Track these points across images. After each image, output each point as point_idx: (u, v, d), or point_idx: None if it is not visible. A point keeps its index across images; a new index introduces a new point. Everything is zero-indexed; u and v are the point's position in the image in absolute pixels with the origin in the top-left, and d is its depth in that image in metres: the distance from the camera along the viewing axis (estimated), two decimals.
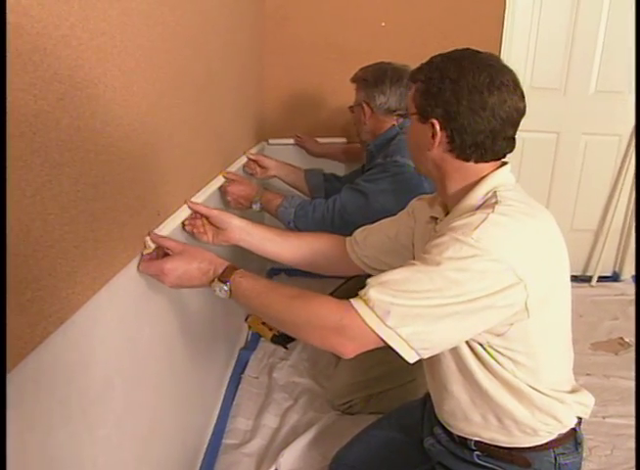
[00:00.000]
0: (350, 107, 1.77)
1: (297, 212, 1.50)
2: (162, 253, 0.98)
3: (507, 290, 0.77)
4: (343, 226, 1.42)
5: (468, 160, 0.89)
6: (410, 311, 0.76)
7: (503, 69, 0.86)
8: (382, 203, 1.46)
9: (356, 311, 0.78)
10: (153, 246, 0.96)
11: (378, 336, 0.77)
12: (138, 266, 0.92)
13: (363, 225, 1.22)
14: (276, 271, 2.42)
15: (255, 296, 0.88)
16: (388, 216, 1.21)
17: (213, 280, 0.92)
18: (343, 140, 2.36)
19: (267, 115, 2.38)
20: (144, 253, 0.95)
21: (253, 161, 1.85)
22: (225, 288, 0.90)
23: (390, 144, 1.58)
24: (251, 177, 1.85)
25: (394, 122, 1.64)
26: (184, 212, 1.15)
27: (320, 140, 2.34)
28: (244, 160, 1.83)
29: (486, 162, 0.89)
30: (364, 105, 1.65)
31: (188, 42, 1.15)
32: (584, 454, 1.03)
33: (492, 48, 2.27)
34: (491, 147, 0.87)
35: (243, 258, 1.41)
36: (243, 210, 1.53)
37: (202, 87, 1.28)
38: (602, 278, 2.61)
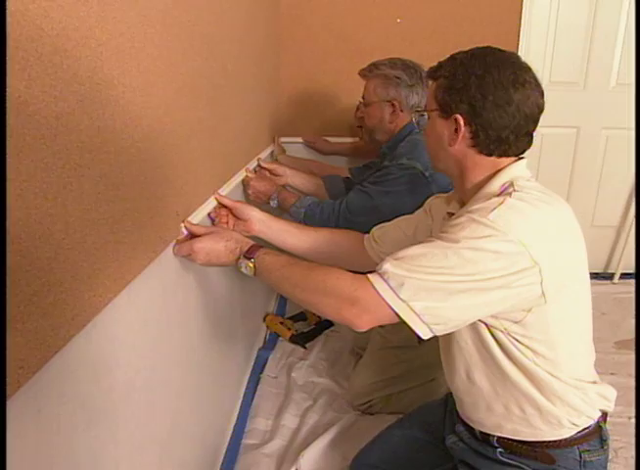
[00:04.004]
0: (369, 102, 1.65)
1: (306, 213, 1.53)
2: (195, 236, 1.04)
3: (522, 272, 0.78)
4: (347, 227, 1.41)
5: (490, 155, 0.90)
6: (424, 285, 0.78)
7: (525, 66, 0.89)
8: (387, 204, 1.46)
9: (371, 283, 0.81)
10: (186, 232, 1.04)
11: (391, 308, 0.79)
12: (173, 249, 0.98)
13: (366, 225, 1.25)
14: None
15: (277, 269, 0.92)
16: (393, 217, 1.23)
17: (239, 257, 0.97)
18: (356, 139, 2.35)
19: (282, 113, 2.38)
20: (178, 238, 1.01)
21: (266, 169, 1.78)
22: (250, 265, 0.95)
23: (399, 145, 1.56)
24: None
25: (411, 119, 1.59)
26: (208, 206, 1.19)
27: (332, 139, 2.34)
28: (262, 157, 1.84)
29: (508, 157, 0.91)
30: (395, 103, 1.60)
31: (204, 42, 1.15)
32: (610, 456, 1.01)
33: (510, 42, 2.24)
34: (514, 142, 0.89)
35: None
36: (261, 204, 1.58)
37: (218, 87, 1.28)
38: (624, 275, 2.56)
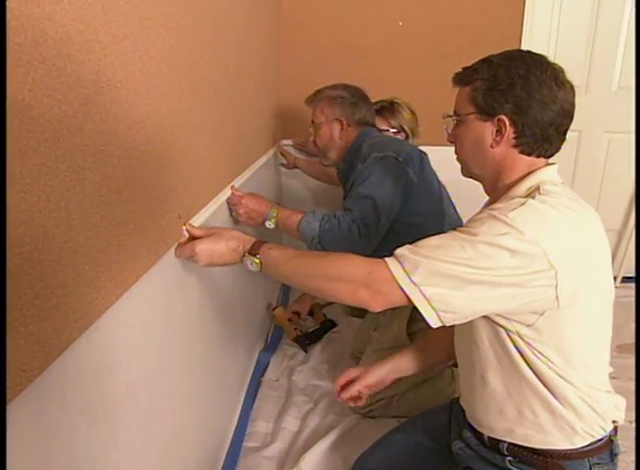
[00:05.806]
0: (319, 124, 1.68)
1: (322, 226, 1.40)
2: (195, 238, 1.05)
3: (537, 274, 0.79)
4: (367, 234, 1.42)
5: (530, 154, 0.91)
6: (437, 271, 0.79)
7: (559, 66, 0.91)
8: (384, 198, 1.46)
9: (386, 265, 0.83)
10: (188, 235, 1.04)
11: (402, 291, 0.80)
12: (175, 252, 0.99)
13: (379, 223, 1.40)
14: None
15: (285, 261, 0.93)
16: (390, 207, 1.35)
17: (244, 255, 0.97)
18: None
19: (283, 115, 2.38)
20: (180, 241, 1.01)
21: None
22: (256, 261, 0.95)
23: (360, 153, 1.57)
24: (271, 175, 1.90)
25: (360, 131, 1.66)
26: (210, 209, 1.20)
27: None
28: (261, 162, 1.84)
29: (546, 157, 0.92)
30: (342, 120, 1.65)
31: (206, 45, 1.15)
32: None
33: (512, 45, 2.21)
34: (555, 141, 0.91)
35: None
36: (254, 226, 1.46)
37: (220, 90, 1.28)
38: (626, 278, 2.55)
